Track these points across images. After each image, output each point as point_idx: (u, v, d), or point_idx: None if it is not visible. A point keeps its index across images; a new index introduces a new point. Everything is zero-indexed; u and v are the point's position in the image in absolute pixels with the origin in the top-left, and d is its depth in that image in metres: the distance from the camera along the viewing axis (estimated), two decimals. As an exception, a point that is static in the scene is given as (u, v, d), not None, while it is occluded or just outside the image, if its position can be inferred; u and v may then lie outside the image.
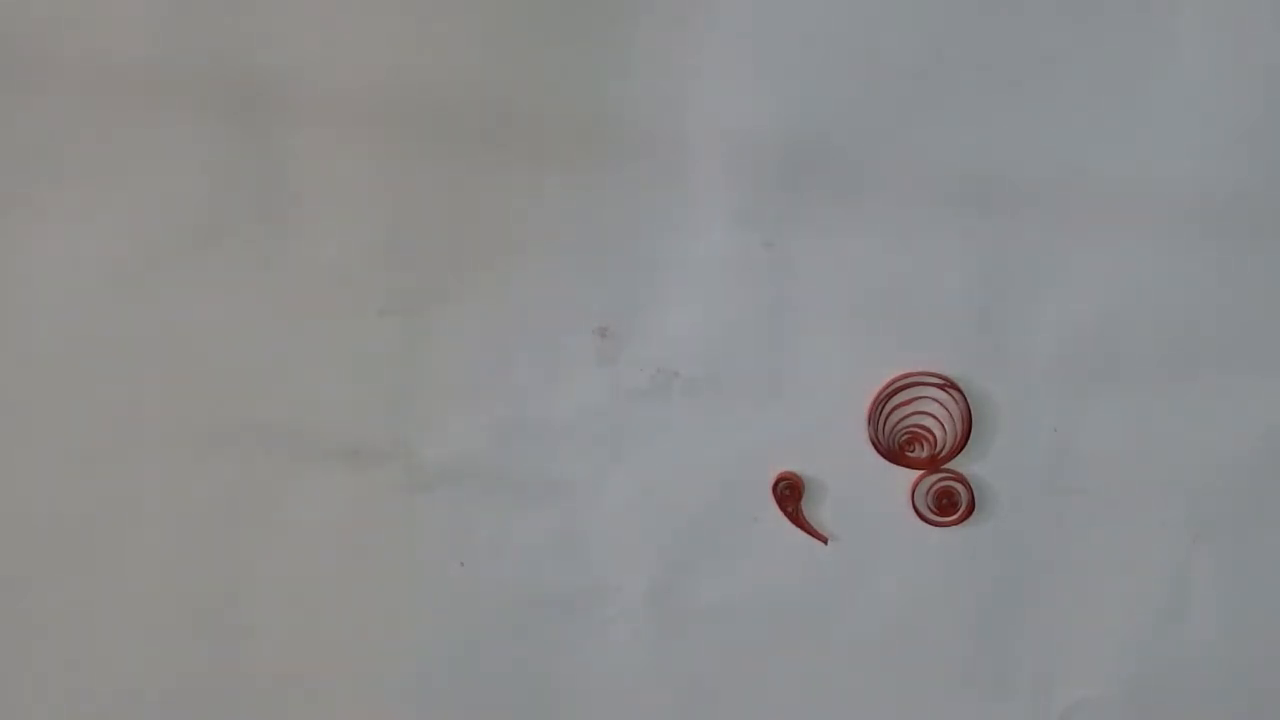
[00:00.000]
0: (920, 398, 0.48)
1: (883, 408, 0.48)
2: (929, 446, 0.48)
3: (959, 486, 0.48)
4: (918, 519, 0.49)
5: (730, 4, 0.45)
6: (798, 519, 0.48)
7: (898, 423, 0.48)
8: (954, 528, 0.49)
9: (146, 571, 0.49)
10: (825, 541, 0.48)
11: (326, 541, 0.49)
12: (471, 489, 0.48)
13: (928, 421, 0.48)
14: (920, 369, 0.48)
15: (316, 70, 0.46)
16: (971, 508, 0.48)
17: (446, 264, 0.47)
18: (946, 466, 0.48)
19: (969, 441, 0.48)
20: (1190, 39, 0.46)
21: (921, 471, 0.48)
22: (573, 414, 0.48)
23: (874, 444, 0.48)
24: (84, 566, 0.49)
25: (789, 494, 0.48)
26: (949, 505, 0.49)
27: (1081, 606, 0.50)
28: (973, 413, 0.48)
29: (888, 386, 0.48)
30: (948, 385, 0.48)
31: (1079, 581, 0.49)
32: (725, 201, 0.47)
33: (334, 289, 0.47)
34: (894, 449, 0.48)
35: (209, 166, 0.46)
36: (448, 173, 0.47)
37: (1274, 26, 0.45)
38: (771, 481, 0.48)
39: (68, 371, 0.48)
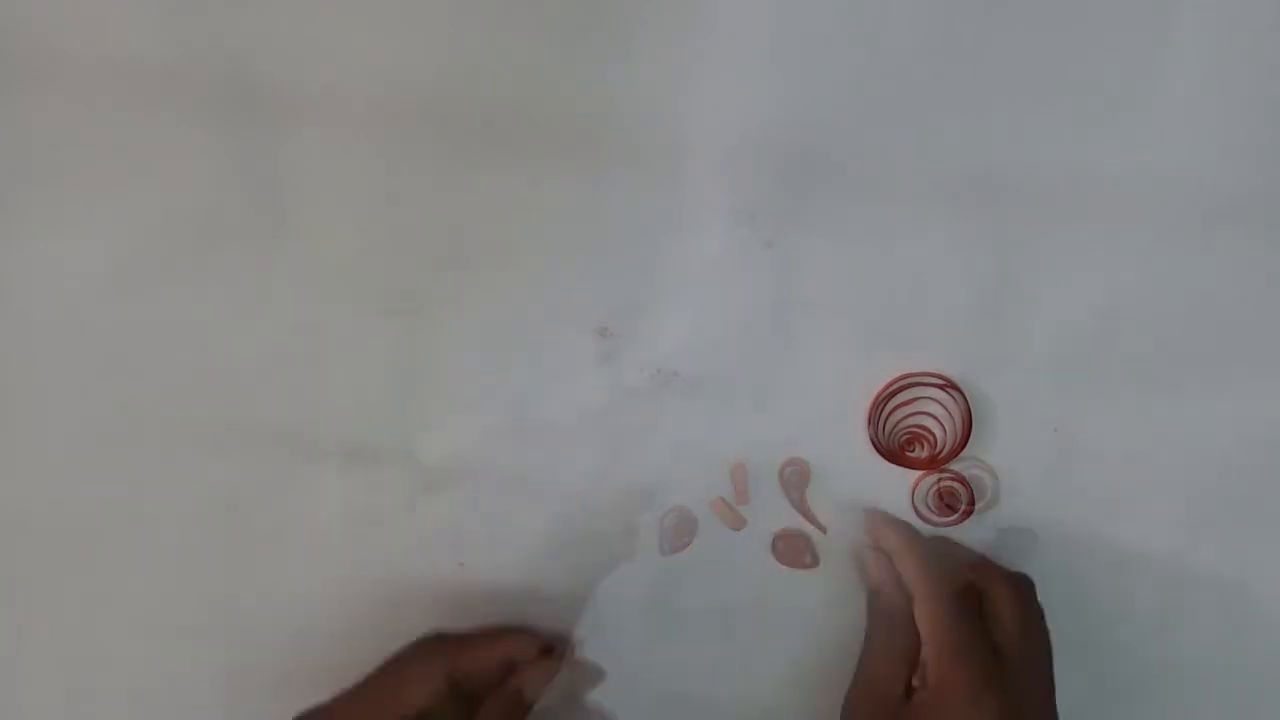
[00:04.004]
0: (920, 398, 0.48)
1: (883, 408, 0.48)
2: (929, 446, 0.48)
3: (959, 486, 0.48)
4: (918, 519, 0.49)
5: (730, 4, 0.45)
6: (802, 506, 0.48)
7: (898, 423, 0.48)
8: (953, 528, 0.49)
9: (147, 571, 0.49)
10: (824, 531, 0.48)
11: (326, 541, 0.49)
12: (471, 489, 0.48)
13: (928, 421, 0.48)
14: (920, 369, 0.48)
15: (316, 70, 0.46)
16: (971, 507, 0.48)
17: (446, 264, 0.47)
18: (947, 466, 0.48)
19: (969, 441, 0.48)
20: (1190, 40, 0.46)
21: (921, 471, 0.48)
22: (573, 414, 0.48)
23: (874, 444, 0.48)
24: (84, 566, 0.49)
25: (795, 480, 0.48)
26: (949, 505, 0.49)
27: (1082, 606, 0.50)
28: (973, 413, 0.48)
29: (888, 386, 0.48)
30: (948, 385, 0.48)
31: (1079, 581, 0.49)
32: (725, 201, 0.47)
33: (334, 289, 0.47)
34: (894, 449, 0.48)
35: (209, 166, 0.46)
36: (448, 173, 0.47)
37: (1274, 27, 0.45)
38: (779, 465, 0.48)
39: (68, 371, 0.48)
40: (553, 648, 0.47)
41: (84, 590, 0.49)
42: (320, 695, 0.49)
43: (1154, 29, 0.46)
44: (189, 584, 0.49)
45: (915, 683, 0.44)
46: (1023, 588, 0.45)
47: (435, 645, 0.46)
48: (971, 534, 0.49)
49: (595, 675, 0.49)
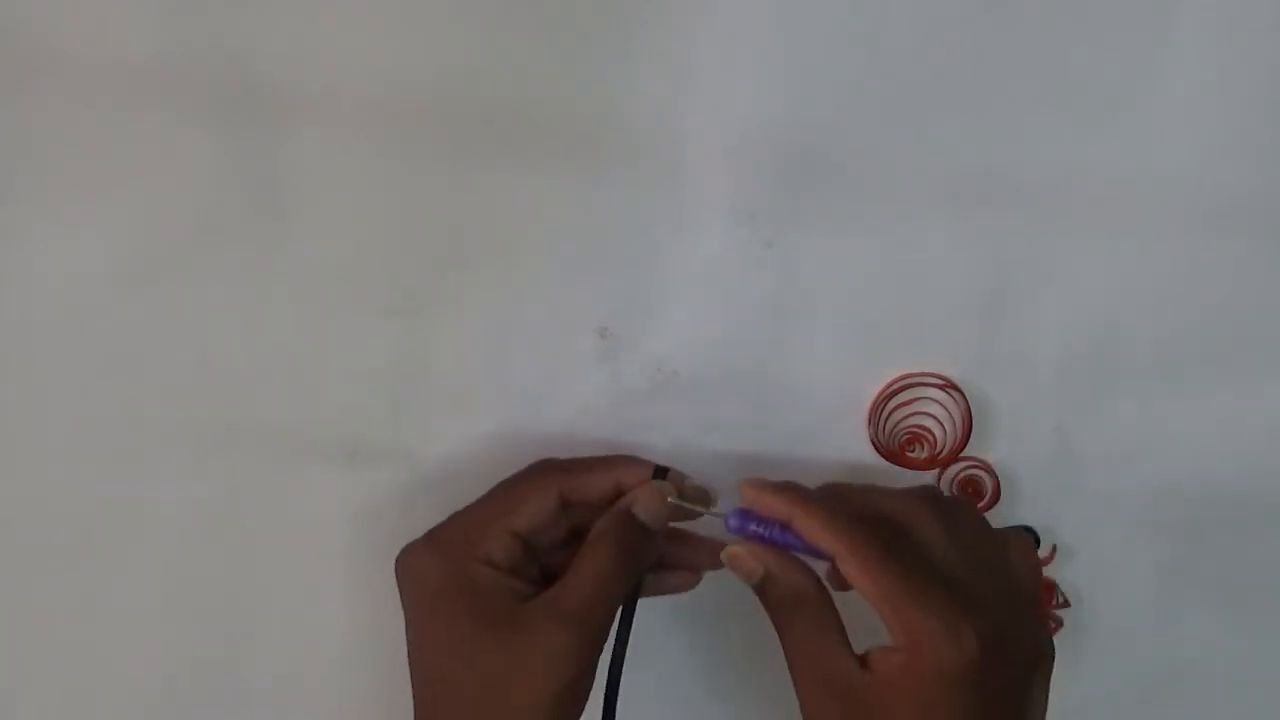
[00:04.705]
0: (920, 398, 0.48)
1: (883, 408, 0.48)
2: (929, 447, 0.48)
3: (984, 475, 0.48)
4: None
5: (730, 4, 0.45)
6: None
7: (898, 423, 0.48)
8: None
9: (147, 571, 0.49)
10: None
11: (326, 541, 0.49)
12: (471, 489, 0.48)
13: (928, 422, 0.48)
14: (920, 369, 0.48)
15: (316, 70, 0.46)
16: (996, 497, 0.48)
17: (446, 264, 0.47)
18: (967, 454, 0.48)
19: (969, 441, 0.48)
20: (1190, 39, 0.46)
21: (932, 469, 0.48)
22: (573, 414, 0.48)
23: (874, 444, 0.48)
24: (85, 566, 0.49)
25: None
26: (974, 495, 0.48)
27: (1081, 606, 0.50)
28: (973, 413, 0.48)
29: (888, 387, 0.48)
30: (948, 385, 0.48)
31: (1079, 581, 0.50)
32: (725, 201, 0.47)
33: (334, 289, 0.47)
34: (894, 449, 0.48)
35: (209, 166, 0.46)
36: (447, 172, 0.46)
37: (1274, 27, 0.45)
38: None
39: (68, 372, 0.48)
40: (667, 470, 0.44)
41: (84, 590, 0.49)
42: (321, 697, 0.50)
43: (1154, 29, 0.45)
44: (189, 584, 0.49)
45: (861, 651, 0.39)
46: (937, 497, 0.42)
47: (548, 466, 0.44)
48: (971, 534, 0.49)
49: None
